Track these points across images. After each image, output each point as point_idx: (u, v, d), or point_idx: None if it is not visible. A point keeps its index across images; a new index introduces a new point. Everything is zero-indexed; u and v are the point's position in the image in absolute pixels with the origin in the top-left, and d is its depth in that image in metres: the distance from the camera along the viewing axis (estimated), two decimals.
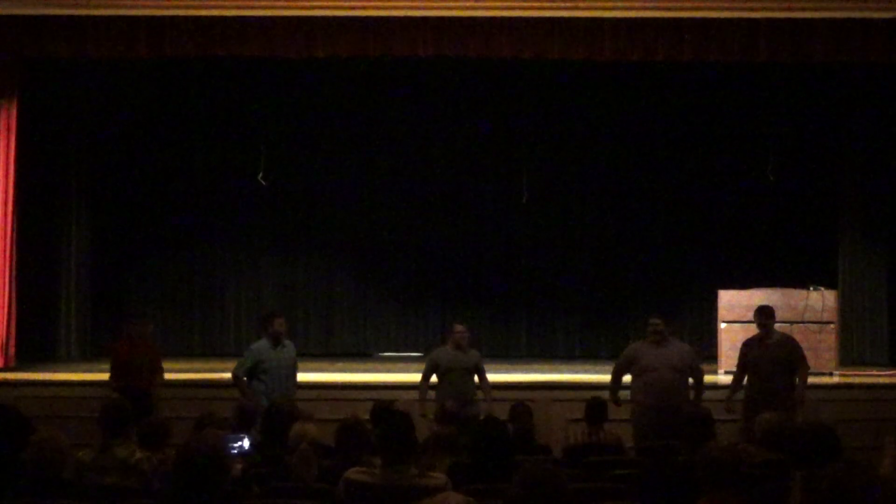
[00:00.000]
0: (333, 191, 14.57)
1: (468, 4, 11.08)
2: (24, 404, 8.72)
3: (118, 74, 13.32)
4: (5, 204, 11.66)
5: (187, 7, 11.11)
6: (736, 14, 11.08)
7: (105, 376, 9.36)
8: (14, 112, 11.71)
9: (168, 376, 9.50)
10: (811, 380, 9.28)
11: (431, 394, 9.25)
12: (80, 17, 11.16)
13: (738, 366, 9.08)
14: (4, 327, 11.59)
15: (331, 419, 6.98)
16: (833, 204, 13.71)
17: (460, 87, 14.05)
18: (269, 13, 11.13)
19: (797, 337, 9.62)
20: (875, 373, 11.92)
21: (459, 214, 14.57)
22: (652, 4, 11.06)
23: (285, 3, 11.09)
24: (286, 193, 14.44)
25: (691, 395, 8.69)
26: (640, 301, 13.61)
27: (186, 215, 14.44)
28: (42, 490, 4.82)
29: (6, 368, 11.46)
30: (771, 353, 8.83)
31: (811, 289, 11.85)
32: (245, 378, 8.89)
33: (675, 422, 8.13)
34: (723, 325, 11.87)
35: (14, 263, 11.72)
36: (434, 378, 9.22)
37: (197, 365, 12.23)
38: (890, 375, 11.70)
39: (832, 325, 11.80)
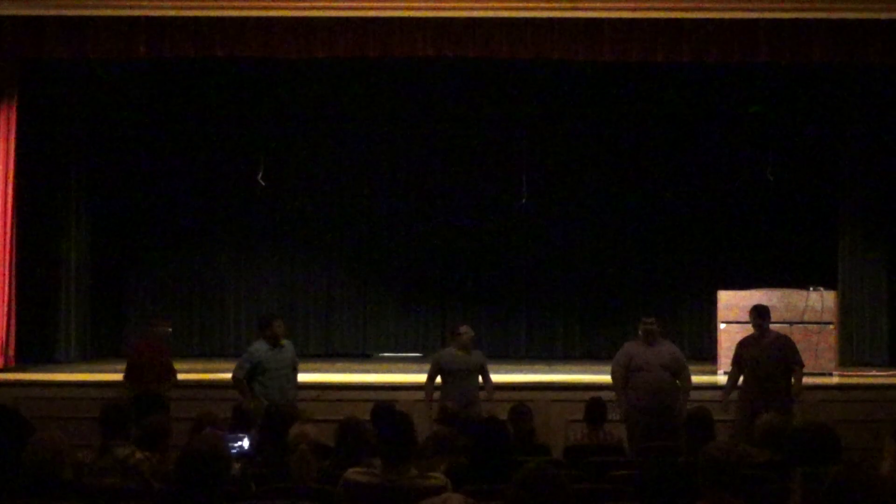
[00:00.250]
0: (333, 191, 14.60)
1: (468, 5, 11.07)
2: (24, 405, 8.78)
3: (118, 75, 13.32)
4: (5, 204, 11.65)
5: (187, 7, 11.09)
6: (736, 14, 11.07)
7: (105, 376, 9.39)
8: (14, 112, 11.70)
9: None
10: (811, 380, 9.28)
11: (436, 395, 9.24)
12: (79, 17, 11.14)
13: (733, 365, 9.07)
14: (4, 328, 11.57)
15: (331, 419, 6.98)
16: (833, 204, 13.70)
17: (460, 87, 14.06)
18: (268, 14, 11.12)
19: (796, 337, 9.63)
20: (875, 373, 11.92)
21: (459, 215, 14.58)
22: (652, 5, 11.05)
23: (285, 4, 11.08)
24: (286, 194, 14.45)
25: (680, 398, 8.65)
26: (640, 301, 13.58)
27: (186, 216, 14.48)
28: (42, 490, 4.81)
29: (6, 369, 11.45)
30: (766, 353, 8.82)
31: (811, 289, 11.85)
32: (245, 380, 8.89)
33: (667, 422, 8.17)
34: (722, 326, 11.86)
35: (14, 263, 11.70)
36: (438, 379, 9.22)
37: (197, 365, 12.23)
38: (889, 375, 11.70)
39: (832, 326, 11.80)
